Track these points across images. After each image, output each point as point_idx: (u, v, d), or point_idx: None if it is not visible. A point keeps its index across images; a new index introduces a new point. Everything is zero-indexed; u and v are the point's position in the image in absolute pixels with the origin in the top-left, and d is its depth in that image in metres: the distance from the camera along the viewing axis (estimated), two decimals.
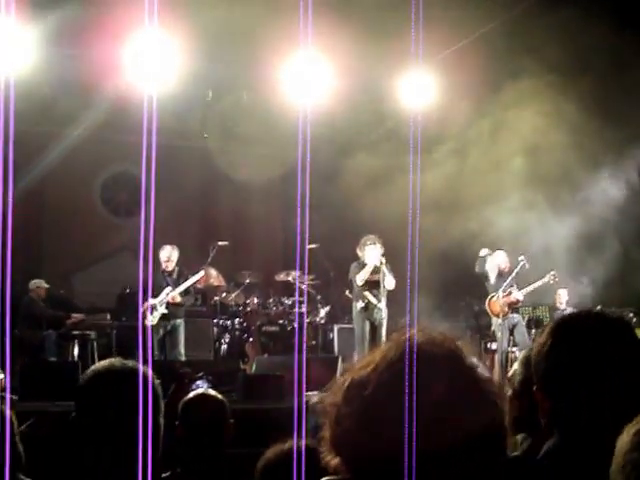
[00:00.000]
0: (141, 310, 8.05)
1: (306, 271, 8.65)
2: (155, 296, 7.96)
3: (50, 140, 9.51)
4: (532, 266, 8.38)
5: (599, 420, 1.34)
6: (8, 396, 2.01)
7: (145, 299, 8.05)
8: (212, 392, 3.22)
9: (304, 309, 9.11)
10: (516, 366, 2.23)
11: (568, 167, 8.55)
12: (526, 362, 2.17)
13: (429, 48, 7.66)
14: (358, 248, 8.10)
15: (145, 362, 1.74)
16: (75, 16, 7.53)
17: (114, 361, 1.74)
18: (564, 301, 9.22)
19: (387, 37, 7.58)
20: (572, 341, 1.41)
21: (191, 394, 3.19)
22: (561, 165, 8.54)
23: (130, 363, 1.74)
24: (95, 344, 8.47)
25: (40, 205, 10.51)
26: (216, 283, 9.36)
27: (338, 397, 1.03)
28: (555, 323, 1.48)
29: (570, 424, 1.37)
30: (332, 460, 1.03)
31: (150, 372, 1.71)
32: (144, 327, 7.67)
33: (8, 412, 1.94)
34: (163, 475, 2.47)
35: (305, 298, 8.88)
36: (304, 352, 8.10)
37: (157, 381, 1.74)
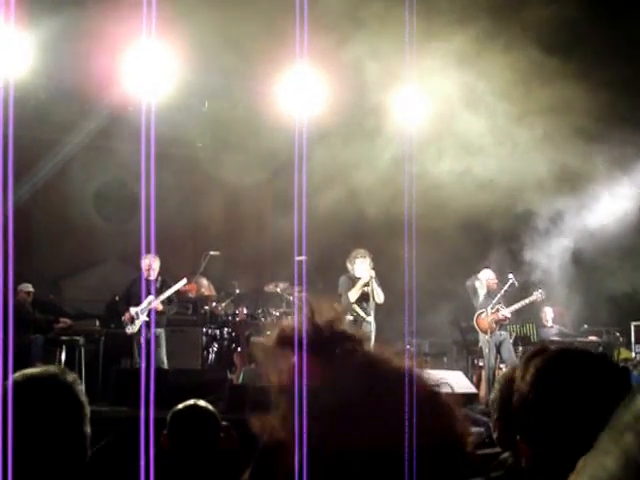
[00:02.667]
0: (124, 318, 8.11)
1: (297, 282, 8.70)
2: (137, 304, 8.05)
3: (43, 146, 9.53)
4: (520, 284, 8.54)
5: None
6: None
7: (130, 305, 8.12)
8: (202, 403, 3.09)
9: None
10: (496, 387, 2.25)
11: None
12: (504, 382, 2.19)
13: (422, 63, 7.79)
14: (348, 261, 8.18)
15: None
16: (73, 24, 7.59)
17: (34, 370, 1.68)
18: (549, 318, 9.46)
19: (382, 52, 7.70)
20: (557, 392, 1.36)
21: (180, 405, 3.07)
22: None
23: (52, 369, 1.68)
24: (83, 350, 8.46)
25: (31, 210, 10.50)
26: (207, 292, 9.41)
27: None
28: (537, 370, 1.41)
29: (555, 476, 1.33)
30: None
31: (74, 378, 1.66)
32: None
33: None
34: None
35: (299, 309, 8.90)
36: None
37: (80, 387, 1.68)
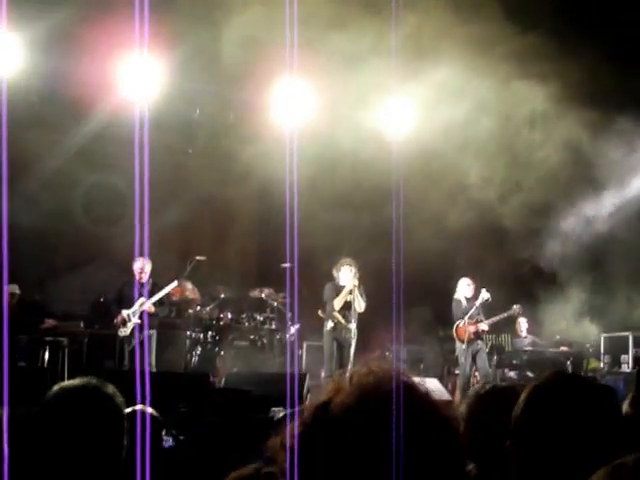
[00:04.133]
0: (115, 321, 8.20)
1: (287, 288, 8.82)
2: (128, 307, 8.14)
3: (34, 148, 9.56)
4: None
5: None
6: None
7: (122, 308, 8.20)
8: (149, 409, 3.21)
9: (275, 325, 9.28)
10: (468, 399, 2.31)
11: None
12: (474, 397, 2.26)
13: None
14: (334, 268, 8.36)
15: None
16: (66, 27, 7.67)
17: (74, 382, 1.73)
18: (524, 329, 9.78)
19: (368, 66, 7.84)
20: (552, 416, 1.45)
21: (128, 409, 3.15)
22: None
23: (93, 381, 1.72)
24: (66, 351, 8.49)
25: (18, 211, 10.49)
26: (191, 296, 9.49)
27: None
28: (534, 392, 1.51)
29: None
30: None
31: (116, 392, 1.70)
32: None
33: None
34: None
35: (286, 315, 9.05)
36: (296, 367, 8.30)
37: (121, 399, 1.73)
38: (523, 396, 1.54)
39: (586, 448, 1.42)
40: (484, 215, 8.95)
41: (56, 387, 1.71)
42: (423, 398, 1.08)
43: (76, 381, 1.74)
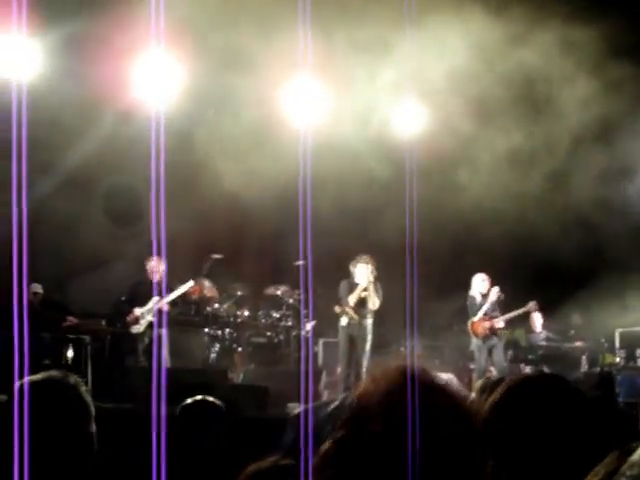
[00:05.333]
0: (129, 318, 8.38)
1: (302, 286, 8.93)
2: (142, 305, 8.33)
3: (53, 150, 9.73)
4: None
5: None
6: None
7: (134, 306, 8.37)
8: (210, 398, 3.25)
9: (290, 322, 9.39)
10: (474, 395, 2.39)
11: None
12: (482, 391, 2.35)
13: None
14: (352, 264, 8.45)
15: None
16: (84, 30, 7.82)
17: (38, 376, 1.76)
18: (539, 324, 9.78)
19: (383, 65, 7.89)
20: (522, 414, 1.50)
21: (189, 400, 3.23)
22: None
23: (55, 374, 1.76)
24: (89, 348, 8.65)
25: (38, 211, 10.65)
26: (209, 294, 9.63)
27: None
28: (507, 391, 1.56)
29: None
30: None
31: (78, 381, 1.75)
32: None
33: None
34: None
35: (303, 313, 9.16)
36: (311, 364, 8.43)
37: (84, 388, 1.77)
38: (487, 408, 1.57)
39: (554, 448, 1.46)
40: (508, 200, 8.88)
41: (19, 382, 1.76)
42: (439, 389, 1.13)
43: (39, 375, 1.79)
